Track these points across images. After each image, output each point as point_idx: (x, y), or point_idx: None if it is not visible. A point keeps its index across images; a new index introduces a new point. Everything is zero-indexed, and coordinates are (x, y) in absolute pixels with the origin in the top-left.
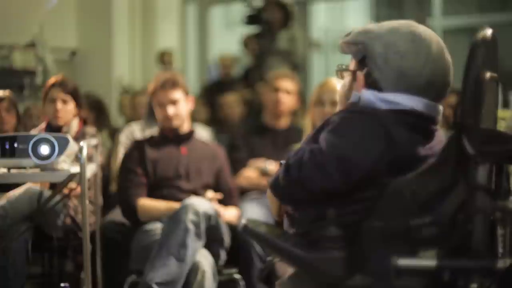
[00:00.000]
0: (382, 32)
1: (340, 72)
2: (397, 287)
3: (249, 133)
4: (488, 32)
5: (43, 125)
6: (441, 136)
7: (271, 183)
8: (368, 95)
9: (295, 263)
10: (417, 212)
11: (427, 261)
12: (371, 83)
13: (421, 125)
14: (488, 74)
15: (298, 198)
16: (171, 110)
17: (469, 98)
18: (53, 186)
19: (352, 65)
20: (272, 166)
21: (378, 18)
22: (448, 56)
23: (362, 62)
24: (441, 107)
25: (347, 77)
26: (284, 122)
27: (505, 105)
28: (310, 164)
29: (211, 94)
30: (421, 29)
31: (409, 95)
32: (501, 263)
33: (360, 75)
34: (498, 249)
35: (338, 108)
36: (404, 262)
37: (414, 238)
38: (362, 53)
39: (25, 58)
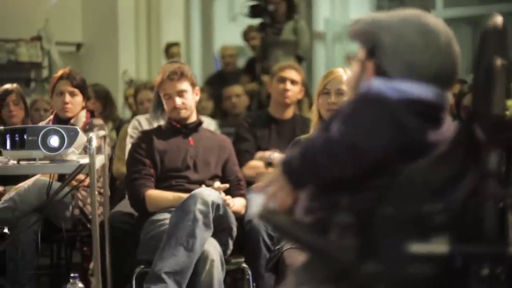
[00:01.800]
0: (392, 23)
1: (349, 59)
2: (409, 273)
3: (255, 124)
4: (499, 19)
5: (51, 117)
6: (449, 123)
7: (283, 166)
8: (378, 84)
9: (309, 250)
10: (429, 199)
11: (439, 247)
12: (380, 73)
13: (431, 113)
14: (499, 62)
15: (310, 184)
16: (178, 101)
17: (480, 86)
18: (62, 178)
19: (361, 54)
20: (278, 157)
21: (379, 10)
22: (456, 46)
23: (371, 52)
24: (449, 95)
25: (356, 65)
26: (289, 113)
27: (507, 95)
28: (322, 153)
29: (212, 86)
30: (431, 19)
31: (418, 84)
32: None
33: (370, 64)
34: (508, 235)
35: (347, 96)
36: (416, 248)
37: (426, 225)
38: (372, 43)
39: (31, 51)
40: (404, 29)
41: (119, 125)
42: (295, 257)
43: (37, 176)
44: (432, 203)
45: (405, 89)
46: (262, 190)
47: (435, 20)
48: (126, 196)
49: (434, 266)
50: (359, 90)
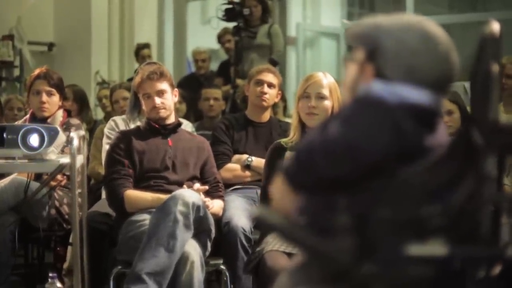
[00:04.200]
0: (394, 28)
1: (345, 61)
2: (406, 275)
3: (232, 127)
4: (495, 26)
5: (27, 116)
6: (442, 128)
7: (285, 172)
8: (378, 88)
9: (306, 250)
10: (427, 201)
11: (436, 249)
12: (380, 77)
13: (428, 118)
14: (496, 68)
15: (308, 185)
16: (158, 100)
17: (479, 91)
18: (39, 177)
19: (359, 56)
20: (255, 160)
21: (351, 16)
22: (455, 54)
23: (371, 55)
24: (444, 100)
25: (353, 67)
26: (266, 116)
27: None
28: (320, 152)
29: (184, 89)
30: (432, 26)
31: (416, 89)
32: (510, 251)
33: (369, 67)
34: (502, 237)
35: (344, 97)
36: (414, 250)
37: (423, 227)
38: (372, 46)
39: (3, 50)
40: (406, 34)
41: (93, 127)
42: (277, 259)
43: (14, 175)
44: (429, 206)
45: (404, 93)
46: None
47: (435, 27)
48: (103, 196)
49: (431, 268)
50: (357, 92)
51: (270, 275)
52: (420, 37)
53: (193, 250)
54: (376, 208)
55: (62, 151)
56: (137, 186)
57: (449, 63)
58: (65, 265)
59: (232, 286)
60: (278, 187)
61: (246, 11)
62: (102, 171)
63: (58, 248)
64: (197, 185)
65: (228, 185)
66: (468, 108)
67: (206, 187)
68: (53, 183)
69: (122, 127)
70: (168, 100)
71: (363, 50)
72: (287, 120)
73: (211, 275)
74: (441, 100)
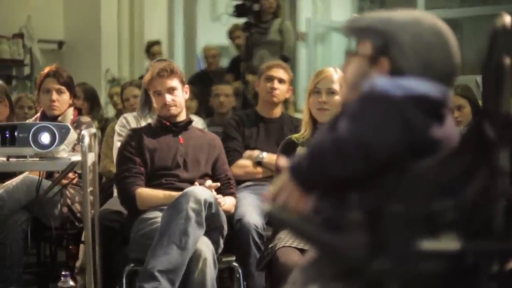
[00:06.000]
0: (406, 22)
1: (349, 55)
2: (419, 270)
3: (243, 123)
4: (508, 19)
5: (37, 115)
6: (451, 120)
7: (291, 170)
8: (383, 82)
9: (319, 246)
10: (439, 196)
11: (449, 244)
12: (396, 70)
13: (435, 110)
14: (508, 61)
15: (320, 185)
16: (168, 97)
17: (491, 84)
18: (50, 175)
19: (365, 50)
20: (266, 156)
21: (361, 11)
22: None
23: (383, 49)
24: (451, 92)
25: (358, 62)
26: (277, 111)
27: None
28: (331, 152)
29: (195, 85)
30: (438, 20)
31: (426, 81)
32: None
33: (384, 61)
34: None
35: (346, 91)
36: (427, 245)
37: (436, 222)
38: (383, 40)
39: (13, 49)
40: (420, 29)
41: (104, 125)
42: (289, 255)
43: (26, 174)
44: (442, 201)
45: (409, 86)
46: (272, 199)
47: (441, 21)
48: (114, 194)
49: (444, 263)
50: (361, 87)
51: (283, 272)
52: (433, 32)
53: (206, 247)
54: (388, 204)
55: (73, 149)
56: (149, 184)
57: (456, 57)
58: (78, 263)
59: (244, 283)
60: (285, 185)
61: (256, 7)
62: (113, 169)
63: (70, 247)
64: (208, 182)
65: (240, 181)
66: (480, 102)
67: (218, 184)
68: (64, 181)
69: (133, 124)
70: (178, 97)
71: (371, 43)
72: (297, 115)
73: (224, 272)
74: (448, 92)
